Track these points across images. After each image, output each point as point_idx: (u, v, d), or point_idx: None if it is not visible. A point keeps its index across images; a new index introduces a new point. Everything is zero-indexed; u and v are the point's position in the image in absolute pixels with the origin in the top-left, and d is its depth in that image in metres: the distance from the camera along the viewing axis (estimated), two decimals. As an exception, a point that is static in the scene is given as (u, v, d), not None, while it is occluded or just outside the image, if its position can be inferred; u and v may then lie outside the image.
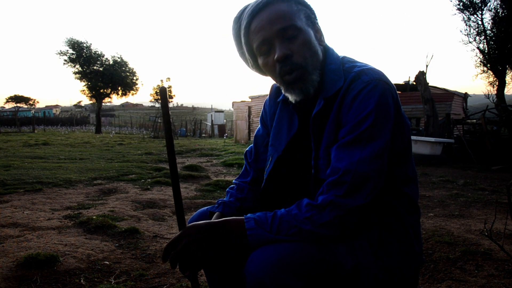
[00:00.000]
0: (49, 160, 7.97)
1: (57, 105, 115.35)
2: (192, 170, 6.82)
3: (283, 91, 1.10)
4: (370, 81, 0.98)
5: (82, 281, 2.10)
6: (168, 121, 0.97)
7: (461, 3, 17.27)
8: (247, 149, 1.34)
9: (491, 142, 8.74)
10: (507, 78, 17.38)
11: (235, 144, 17.00)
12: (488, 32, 17.08)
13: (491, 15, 16.98)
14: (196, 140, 22.18)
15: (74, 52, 27.70)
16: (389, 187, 1.03)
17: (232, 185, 1.30)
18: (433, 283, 2.09)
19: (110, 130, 34.43)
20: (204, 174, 6.47)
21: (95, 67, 28.42)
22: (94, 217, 3.24)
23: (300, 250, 0.90)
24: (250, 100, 21.70)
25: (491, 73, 17.74)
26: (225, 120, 33.84)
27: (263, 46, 1.04)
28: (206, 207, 1.24)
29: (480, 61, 17.90)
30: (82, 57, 27.79)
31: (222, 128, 29.22)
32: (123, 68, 29.25)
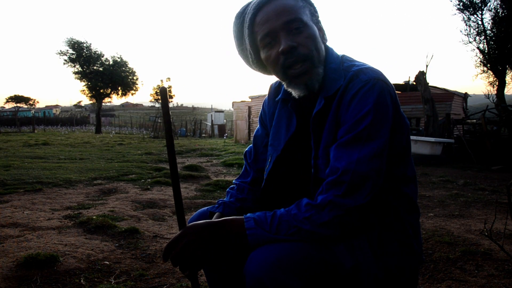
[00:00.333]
0: (49, 160, 7.97)
1: (57, 105, 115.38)
2: (192, 170, 6.82)
3: (285, 85, 1.09)
4: (369, 80, 0.98)
5: (82, 281, 2.10)
6: (168, 121, 0.97)
7: (461, 3, 17.28)
8: (246, 149, 1.34)
9: (491, 142, 8.74)
10: (507, 78, 17.39)
11: (235, 144, 17.00)
12: (488, 32, 17.08)
13: (491, 15, 16.99)
14: (196, 140, 22.18)
15: (74, 52, 27.70)
16: (388, 187, 1.03)
17: (232, 185, 1.30)
18: (433, 283, 2.09)
19: (110, 130, 34.43)
20: (204, 174, 6.47)
21: (95, 67, 28.42)
22: (94, 217, 3.24)
23: (300, 250, 0.90)
24: (250, 100, 21.70)
25: (491, 73, 17.74)
26: (225, 120, 33.84)
27: (267, 38, 1.03)
28: (206, 207, 1.24)
29: (480, 61, 17.91)
30: (82, 57, 27.79)
31: (222, 128, 29.21)
32: (123, 68, 29.25)
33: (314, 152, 1.05)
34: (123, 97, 31.15)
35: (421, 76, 10.50)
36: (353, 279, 0.96)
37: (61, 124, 42.78)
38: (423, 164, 8.18)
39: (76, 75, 28.34)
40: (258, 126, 1.31)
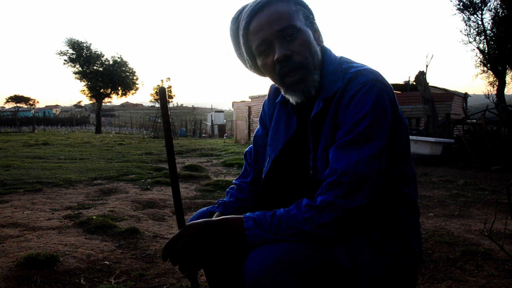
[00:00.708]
0: (49, 160, 7.97)
1: (57, 105, 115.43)
2: (192, 170, 6.82)
3: (283, 92, 1.10)
4: (367, 81, 0.98)
5: (82, 281, 2.10)
6: (168, 121, 0.97)
7: (461, 3, 17.26)
8: (246, 149, 1.34)
9: (491, 142, 8.74)
10: (507, 78, 17.38)
11: (235, 144, 17.00)
12: (488, 32, 17.07)
13: (491, 15, 16.97)
14: (196, 140, 22.18)
15: (74, 52, 27.70)
16: (387, 187, 1.03)
17: (232, 185, 1.30)
18: (433, 283, 2.09)
19: (110, 130, 34.43)
20: (204, 174, 6.47)
21: (95, 67, 28.42)
22: (94, 217, 3.24)
23: (299, 250, 0.90)
24: (250, 100, 21.70)
25: (491, 73, 17.73)
26: (225, 120, 33.84)
27: (262, 47, 1.03)
28: (206, 207, 1.24)
29: (480, 61, 17.90)
30: (82, 57, 27.79)
31: (222, 128, 29.21)
32: (123, 68, 29.25)
33: (312, 153, 1.05)
34: (123, 97, 31.16)
35: (421, 76, 10.50)
36: (353, 279, 0.97)
37: (61, 124, 42.78)
38: (423, 164, 8.18)
39: (76, 75, 28.35)
40: (258, 126, 1.32)
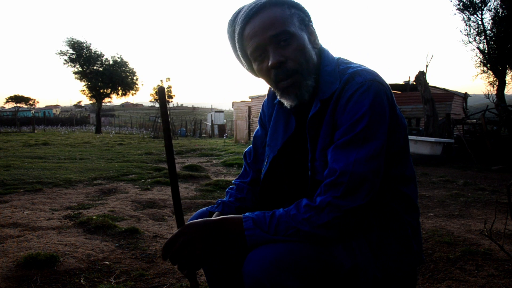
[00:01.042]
0: (49, 160, 7.97)
1: (57, 105, 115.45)
2: (192, 170, 6.82)
3: (278, 96, 1.11)
4: (364, 82, 0.98)
5: (82, 281, 2.10)
6: (167, 120, 0.98)
7: (461, 3, 17.26)
8: (246, 149, 1.34)
9: (491, 142, 8.74)
10: (507, 78, 17.36)
11: (235, 144, 17.00)
12: (488, 32, 17.06)
13: (491, 15, 16.96)
14: (196, 140, 22.18)
15: (74, 52, 27.71)
16: (387, 187, 1.03)
17: (231, 185, 1.30)
18: (433, 283, 2.09)
19: (110, 130, 34.43)
20: (204, 174, 6.47)
21: (95, 67, 28.43)
22: (94, 217, 3.24)
23: (298, 250, 0.90)
24: (250, 100, 21.69)
25: (491, 73, 17.72)
26: (225, 120, 33.84)
27: (256, 52, 1.04)
28: (205, 207, 1.24)
29: (480, 61, 17.89)
30: (82, 57, 27.80)
31: (222, 128, 29.21)
32: (123, 68, 29.26)
33: (311, 154, 1.05)
34: (123, 97, 31.17)
35: (421, 76, 10.50)
36: (352, 279, 0.97)
37: (61, 124, 42.78)
38: (423, 164, 8.18)
39: (76, 75, 28.36)
40: (258, 126, 1.32)
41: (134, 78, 30.18)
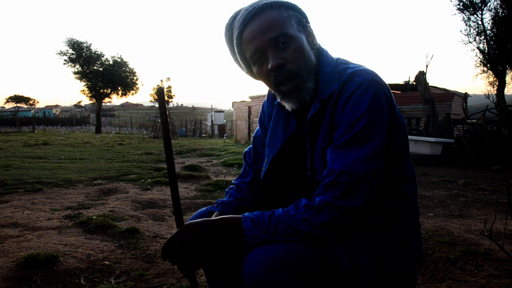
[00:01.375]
0: (49, 160, 7.97)
1: (57, 105, 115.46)
2: (192, 170, 6.82)
3: (279, 99, 1.11)
4: (363, 82, 0.98)
5: (82, 281, 2.10)
6: (166, 121, 0.98)
7: (461, 3, 17.26)
8: (246, 149, 1.35)
9: (491, 142, 8.74)
10: (507, 78, 17.36)
11: (235, 144, 17.00)
12: (488, 32, 17.06)
13: (491, 15, 16.96)
14: (196, 140, 22.19)
15: (74, 52, 27.71)
16: (386, 187, 1.03)
17: (231, 185, 1.30)
18: (433, 283, 2.10)
19: (110, 130, 34.43)
20: (204, 174, 6.47)
21: (95, 67, 28.43)
22: (94, 217, 3.24)
23: (298, 250, 0.90)
24: (250, 100, 21.69)
25: (491, 73, 17.72)
26: (225, 120, 33.84)
27: (256, 56, 1.04)
28: (205, 207, 1.24)
29: (480, 61, 17.89)
30: (82, 57, 27.80)
31: (222, 128, 29.21)
32: (123, 68, 29.25)
33: (310, 154, 1.05)
34: (123, 97, 31.16)
35: (421, 76, 10.50)
36: (351, 279, 0.97)
37: (61, 124, 42.79)
38: (423, 164, 8.18)
39: (76, 75, 28.36)
40: (258, 127, 1.32)
41: (134, 78, 30.18)
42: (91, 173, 6.03)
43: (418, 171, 6.98)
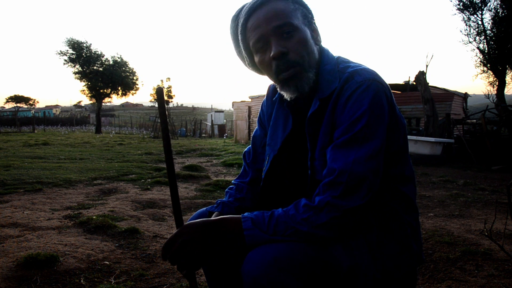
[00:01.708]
0: (49, 160, 7.97)
1: (57, 105, 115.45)
2: (192, 170, 6.82)
3: (278, 89, 1.11)
4: (364, 81, 0.98)
5: (82, 281, 2.10)
6: (165, 121, 0.98)
7: (461, 3, 17.25)
8: (245, 149, 1.34)
9: (491, 142, 8.73)
10: (507, 78, 17.36)
11: (235, 144, 17.00)
12: (488, 32, 17.05)
13: (491, 15, 16.96)
14: (196, 140, 22.19)
15: (74, 52, 27.70)
16: (386, 187, 1.03)
17: (231, 186, 1.30)
18: (433, 283, 2.09)
19: (110, 130, 34.43)
20: (204, 174, 6.47)
21: (95, 67, 28.42)
22: (94, 217, 3.24)
23: (297, 250, 0.90)
24: (250, 100, 21.69)
25: (491, 73, 17.72)
26: (225, 120, 33.83)
27: (259, 43, 1.04)
28: (205, 207, 1.24)
29: (480, 61, 17.89)
30: (82, 57, 27.79)
31: (222, 128, 29.21)
32: (123, 68, 29.25)
33: (310, 153, 1.05)
34: (123, 97, 31.16)
35: (421, 76, 10.50)
36: (351, 279, 0.96)
37: (61, 124, 42.79)
38: (423, 164, 8.17)
39: (76, 75, 28.35)
40: (257, 126, 1.32)
41: (134, 78, 30.18)
42: (91, 173, 6.03)
43: (418, 171, 6.98)
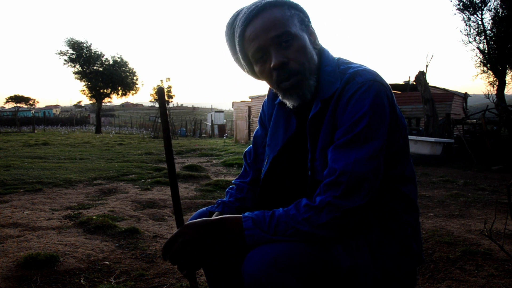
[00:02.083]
0: (49, 160, 7.97)
1: (57, 105, 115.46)
2: (192, 170, 6.82)
3: (280, 97, 1.11)
4: (365, 82, 0.98)
5: (82, 281, 2.10)
6: (166, 121, 0.98)
7: (461, 3, 17.26)
8: (246, 149, 1.34)
9: (491, 142, 8.73)
10: (507, 78, 17.37)
11: (235, 144, 17.00)
12: (488, 32, 17.06)
13: (491, 15, 16.97)
14: (196, 140, 22.19)
15: (74, 52, 27.71)
16: (386, 187, 1.03)
17: (231, 185, 1.30)
18: (433, 283, 2.09)
19: (110, 130, 34.43)
20: (204, 174, 6.47)
21: (95, 67, 28.43)
22: (94, 217, 3.24)
23: (298, 250, 0.90)
24: (250, 100, 21.69)
25: (491, 73, 17.73)
26: (225, 120, 33.84)
27: (258, 54, 1.04)
28: (205, 207, 1.24)
29: (480, 61, 17.90)
30: (82, 57, 27.80)
31: (222, 128, 29.21)
32: (123, 68, 29.26)
33: (310, 154, 1.05)
34: (123, 97, 31.17)
35: (421, 76, 10.50)
36: (351, 279, 0.97)
37: (61, 124, 42.79)
38: (423, 164, 8.17)
39: (76, 75, 28.36)
40: (258, 126, 1.32)
41: (134, 78, 30.19)
42: (91, 173, 6.03)
43: (418, 171, 6.98)
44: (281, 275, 0.85)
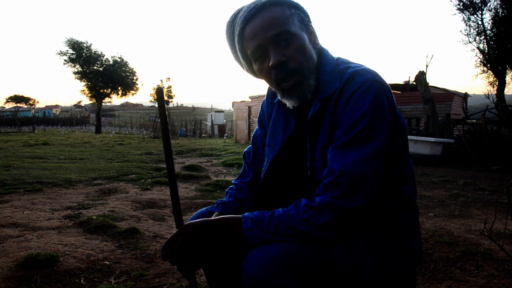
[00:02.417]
0: (49, 160, 7.97)
1: (57, 105, 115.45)
2: (192, 170, 6.82)
3: (279, 97, 1.10)
4: (364, 81, 0.98)
5: (82, 281, 2.10)
6: (165, 121, 0.98)
7: (461, 3, 17.26)
8: (245, 150, 1.34)
9: (491, 142, 8.73)
10: (507, 78, 17.37)
11: (235, 144, 17.00)
12: (488, 32, 17.06)
13: (491, 15, 16.97)
14: (196, 140, 22.19)
15: (74, 52, 27.72)
16: (386, 187, 1.03)
17: (231, 186, 1.30)
18: (433, 283, 2.09)
19: (110, 130, 34.44)
20: (204, 174, 6.47)
21: (95, 67, 28.44)
22: (94, 217, 3.24)
23: (297, 250, 0.90)
24: (250, 100, 21.69)
25: (491, 73, 17.73)
26: (225, 120, 33.83)
27: (257, 53, 1.04)
28: (205, 208, 1.24)
29: (480, 61, 17.89)
30: (82, 57, 27.81)
31: (222, 128, 29.21)
32: (123, 68, 29.26)
33: (310, 154, 1.05)
34: (123, 97, 31.18)
35: (421, 76, 10.50)
36: (351, 280, 0.97)
37: (61, 124, 42.80)
38: (423, 164, 8.17)
39: (76, 75, 28.37)
40: (257, 126, 1.32)
41: (134, 78, 30.19)
42: (91, 173, 6.03)
43: (418, 171, 6.98)
44: (281, 275, 0.85)
